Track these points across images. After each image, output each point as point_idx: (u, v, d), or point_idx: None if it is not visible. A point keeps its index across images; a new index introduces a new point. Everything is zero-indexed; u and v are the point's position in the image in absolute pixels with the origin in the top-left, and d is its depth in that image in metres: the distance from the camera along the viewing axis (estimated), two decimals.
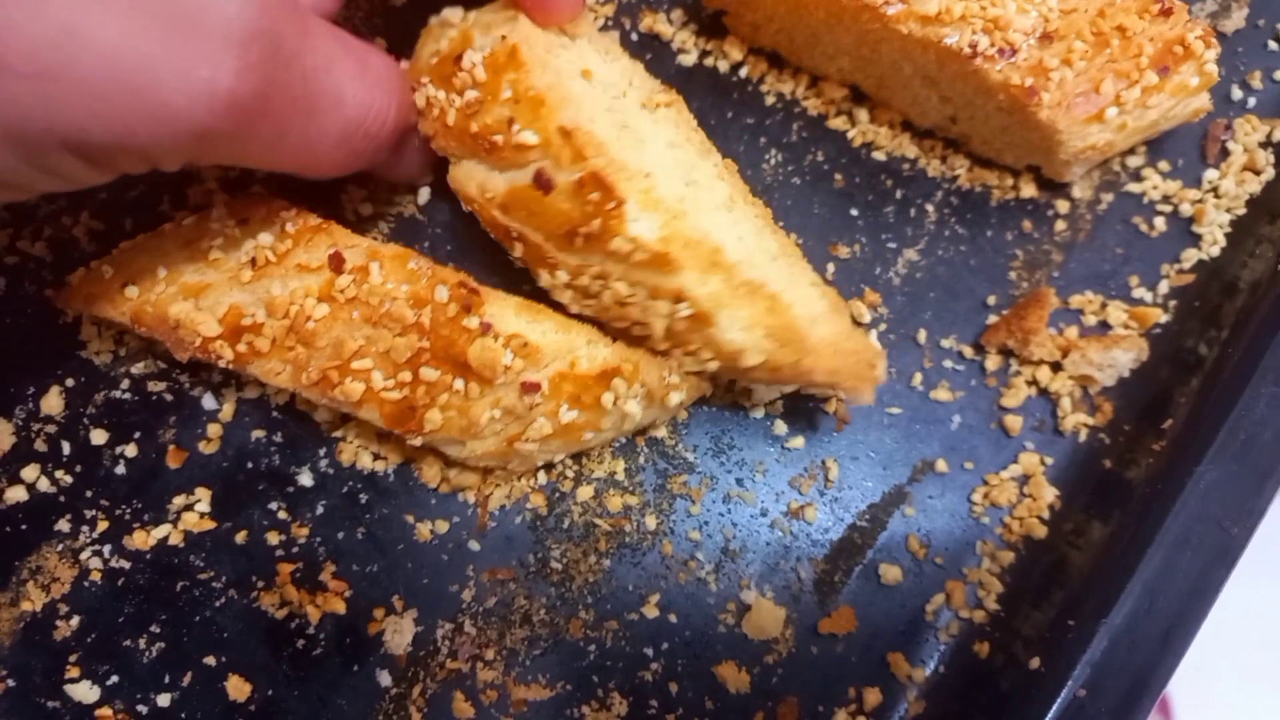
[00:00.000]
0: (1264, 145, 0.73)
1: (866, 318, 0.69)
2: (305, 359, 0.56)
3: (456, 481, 0.65)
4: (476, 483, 0.65)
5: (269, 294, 0.57)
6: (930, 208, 0.72)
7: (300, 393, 0.58)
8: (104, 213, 0.69)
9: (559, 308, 0.61)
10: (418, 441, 0.59)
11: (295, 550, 0.65)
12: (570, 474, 0.67)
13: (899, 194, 0.72)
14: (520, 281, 0.69)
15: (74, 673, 0.62)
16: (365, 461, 0.66)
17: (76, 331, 0.67)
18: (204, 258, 0.59)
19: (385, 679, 0.63)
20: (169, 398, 0.67)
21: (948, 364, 0.69)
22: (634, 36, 0.75)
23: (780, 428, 0.68)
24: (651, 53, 0.74)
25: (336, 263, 0.56)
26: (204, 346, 0.57)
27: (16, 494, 0.64)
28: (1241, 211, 0.71)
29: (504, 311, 0.57)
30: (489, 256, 0.70)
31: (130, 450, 0.66)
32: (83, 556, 0.64)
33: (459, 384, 0.56)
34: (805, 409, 0.68)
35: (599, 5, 0.75)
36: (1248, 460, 0.60)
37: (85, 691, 0.62)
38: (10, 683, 0.62)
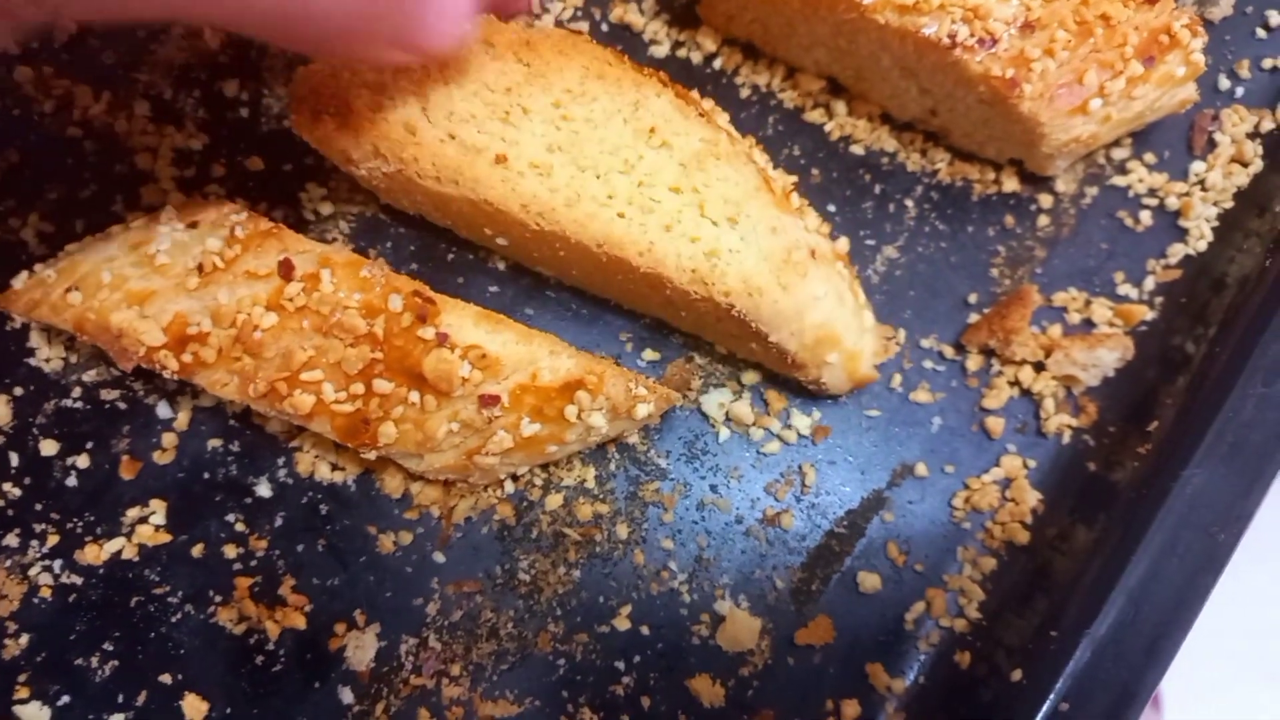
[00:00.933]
0: (1252, 136, 0.71)
1: None
2: (253, 370, 0.54)
3: (420, 494, 0.63)
4: (440, 496, 0.63)
5: (216, 302, 0.54)
6: (910, 203, 0.70)
7: (249, 404, 0.56)
8: (54, 214, 0.66)
9: (523, 318, 0.59)
10: (372, 455, 0.57)
11: (254, 563, 0.62)
12: (539, 482, 0.64)
13: (878, 189, 0.70)
14: (486, 286, 0.67)
15: (23, 693, 0.60)
16: (324, 472, 0.64)
17: (25, 338, 0.65)
18: (150, 263, 0.56)
19: (348, 696, 0.61)
20: (122, 406, 0.64)
21: (928, 364, 0.67)
22: (604, 27, 0.73)
23: (756, 433, 0.66)
24: (622, 44, 0.72)
25: (286, 270, 0.54)
26: (148, 356, 0.54)
27: None
28: (1229, 205, 0.70)
29: (462, 321, 0.55)
30: (455, 257, 0.68)
31: (82, 461, 0.63)
32: (32, 572, 0.62)
33: (414, 396, 0.54)
34: (781, 413, 0.66)
35: None
36: (1236, 464, 0.58)
37: (35, 713, 0.60)
38: None
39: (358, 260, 0.56)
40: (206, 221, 0.57)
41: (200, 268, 0.55)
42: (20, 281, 0.59)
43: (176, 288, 0.55)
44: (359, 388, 0.54)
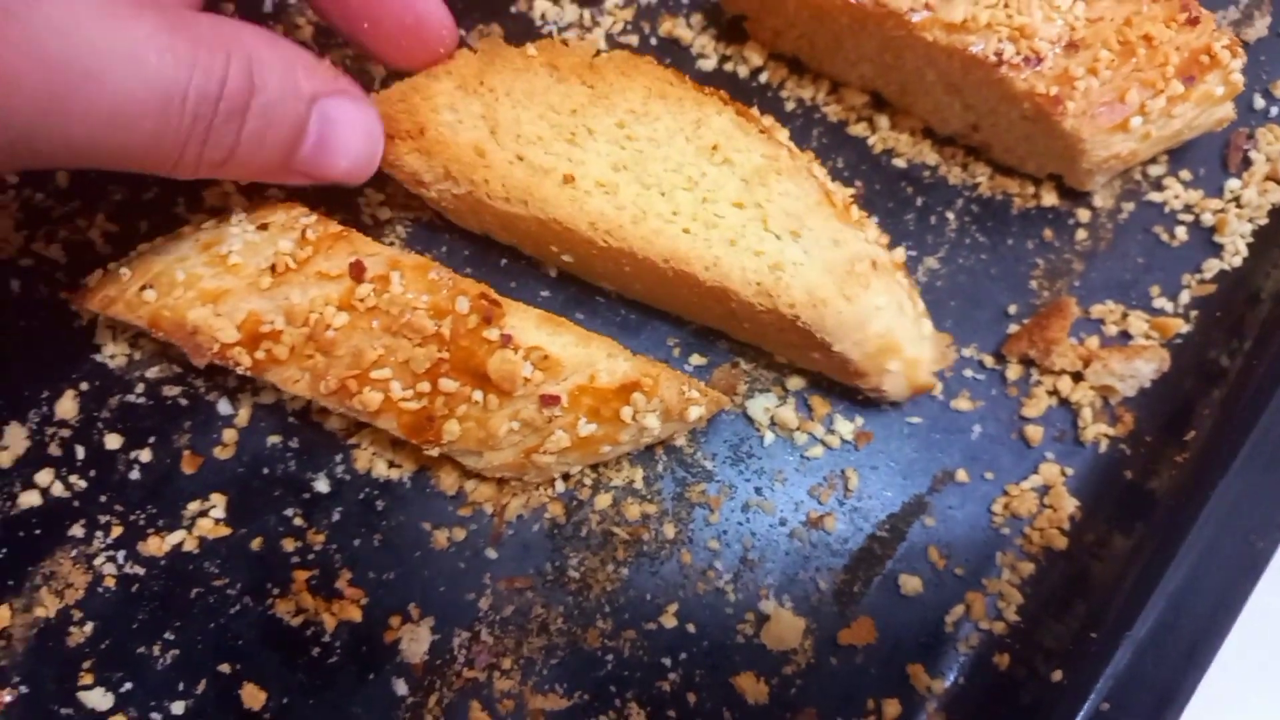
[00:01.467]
0: None
1: None
2: (324, 367, 0.56)
3: (474, 492, 0.65)
4: (493, 493, 0.65)
5: (288, 301, 0.56)
6: (951, 215, 0.72)
7: (318, 401, 0.58)
8: (119, 215, 0.69)
9: (580, 321, 0.60)
10: (435, 452, 0.58)
11: (311, 557, 0.64)
12: (588, 482, 0.66)
13: (919, 201, 0.72)
14: (538, 292, 0.69)
15: (87, 680, 0.62)
16: (381, 469, 0.65)
17: (91, 335, 0.67)
18: (223, 263, 0.58)
19: (401, 688, 0.62)
20: (184, 402, 0.66)
21: (968, 373, 0.69)
22: (653, 41, 0.75)
23: (800, 437, 0.67)
24: (670, 58, 0.74)
25: (357, 271, 0.56)
26: (222, 353, 0.56)
27: (30, 499, 0.64)
28: (1264, 221, 0.71)
29: (525, 323, 0.57)
30: (508, 263, 0.69)
31: (145, 455, 0.65)
32: (96, 562, 0.63)
33: (478, 395, 0.56)
34: (825, 418, 0.68)
35: (618, 9, 0.75)
36: (1274, 473, 0.60)
37: (98, 699, 0.61)
38: (23, 689, 0.61)
39: (426, 263, 0.57)
40: (276, 224, 0.59)
41: (273, 268, 0.57)
42: (94, 279, 0.61)
43: (249, 287, 0.57)
44: (425, 386, 0.55)
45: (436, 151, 0.60)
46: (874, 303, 0.58)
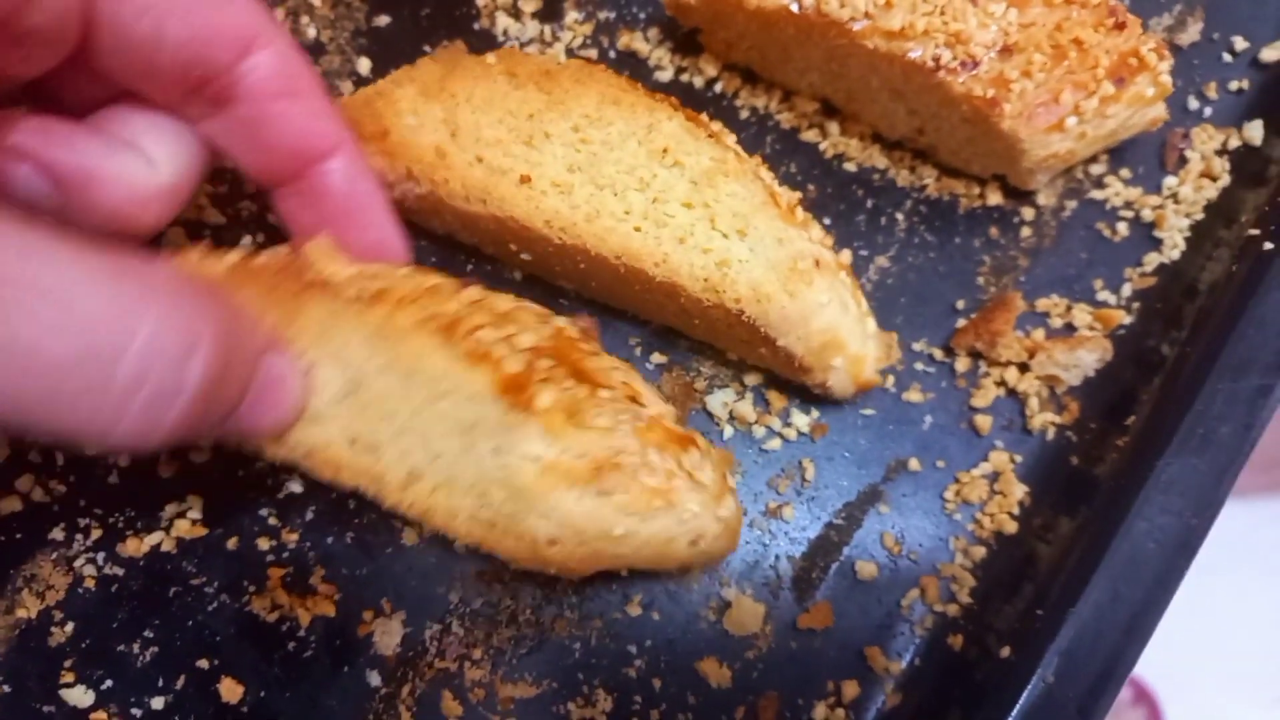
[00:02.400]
0: (1220, 153, 0.75)
1: None
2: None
3: None
4: None
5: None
6: (900, 216, 0.75)
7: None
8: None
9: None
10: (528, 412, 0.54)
11: (285, 555, 0.66)
12: None
13: (870, 203, 0.75)
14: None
15: (69, 678, 0.63)
16: None
17: None
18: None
19: (375, 679, 0.64)
20: None
21: (919, 366, 0.72)
22: (612, 54, 0.78)
23: (758, 430, 0.70)
24: (629, 70, 0.76)
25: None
26: None
27: (11, 504, 0.66)
28: (1200, 216, 0.74)
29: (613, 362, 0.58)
30: (474, 268, 0.72)
31: (123, 460, 0.67)
32: (77, 564, 0.65)
33: (569, 384, 0.54)
34: (782, 411, 0.70)
35: (577, 24, 0.78)
36: (1207, 454, 0.62)
37: (80, 696, 0.63)
38: (6, 689, 0.63)
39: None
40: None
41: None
42: None
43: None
44: (527, 357, 0.54)
45: (399, 153, 0.62)
46: (817, 299, 0.61)
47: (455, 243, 0.72)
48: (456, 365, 0.53)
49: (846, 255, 0.67)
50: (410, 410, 0.54)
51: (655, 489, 0.54)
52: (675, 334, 0.71)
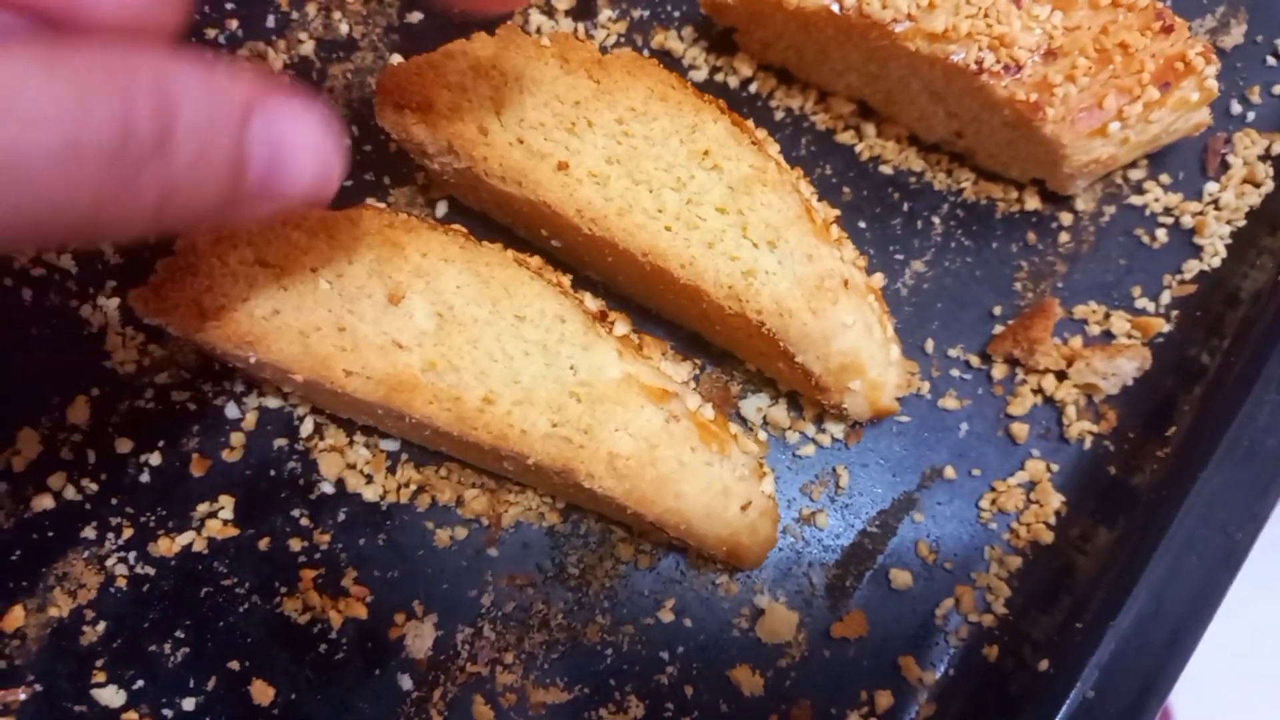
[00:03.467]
0: (1263, 158, 0.74)
1: None
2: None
3: (468, 506, 0.67)
4: (486, 507, 0.67)
5: None
6: (937, 220, 0.74)
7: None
8: None
9: None
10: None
11: (317, 556, 0.66)
12: None
13: (906, 207, 0.74)
14: None
15: (100, 677, 0.63)
16: (372, 494, 0.68)
17: (102, 342, 0.68)
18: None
19: (406, 683, 0.64)
20: (192, 407, 0.68)
21: (955, 373, 0.71)
22: (645, 53, 0.77)
23: (792, 436, 0.69)
24: (673, 73, 0.75)
25: None
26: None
27: (44, 502, 0.66)
28: (1242, 223, 0.73)
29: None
30: None
31: (155, 458, 0.67)
32: (108, 563, 0.65)
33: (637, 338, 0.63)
34: (816, 417, 0.69)
35: (611, 22, 0.77)
36: (1251, 466, 0.61)
37: (111, 696, 0.63)
38: (38, 687, 0.63)
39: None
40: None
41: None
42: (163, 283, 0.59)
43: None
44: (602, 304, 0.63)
45: (442, 126, 0.62)
46: (841, 320, 0.60)
47: (490, 222, 0.71)
48: (546, 292, 0.59)
49: (879, 278, 0.67)
50: (494, 335, 0.58)
51: (711, 428, 0.60)
52: (706, 340, 0.71)
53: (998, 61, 0.64)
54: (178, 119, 0.42)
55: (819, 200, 0.65)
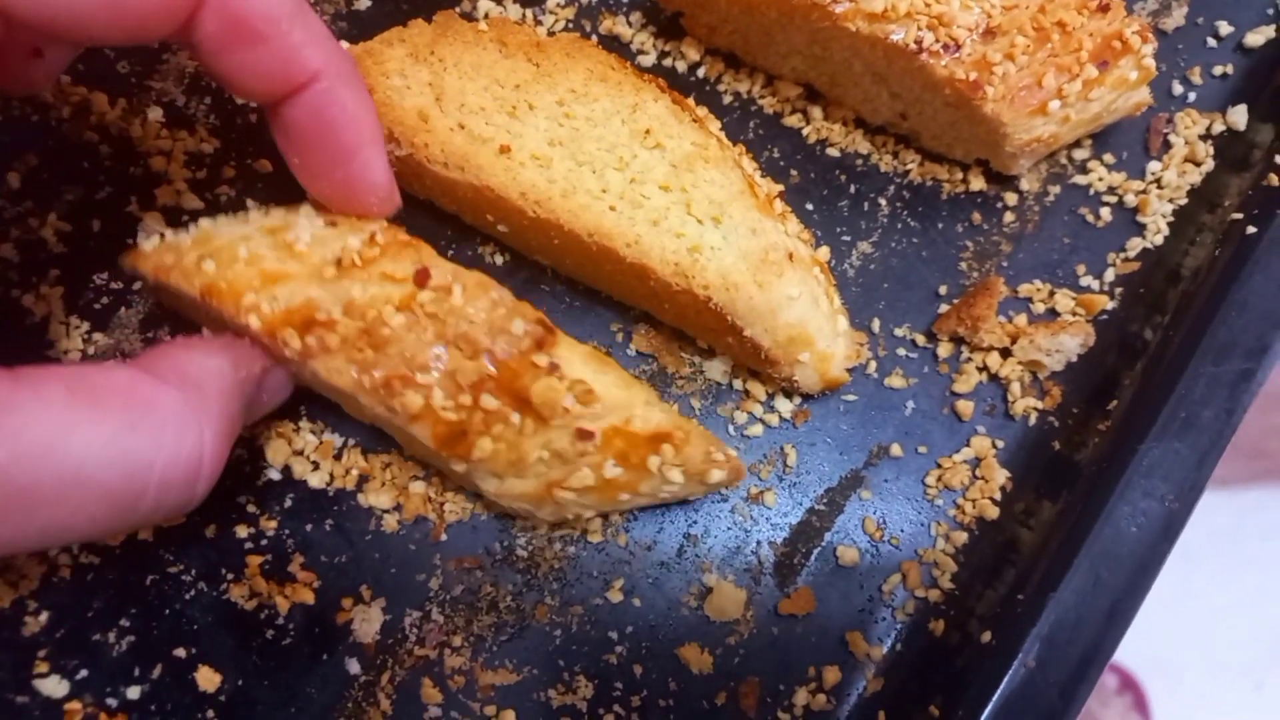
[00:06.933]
0: (1204, 138, 0.75)
1: None
2: (372, 363, 0.55)
3: (407, 506, 0.66)
4: (421, 504, 0.66)
5: (349, 295, 0.56)
6: (883, 202, 0.74)
7: (358, 397, 0.57)
8: (72, 214, 0.70)
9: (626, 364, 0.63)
10: (461, 467, 0.58)
11: (264, 543, 0.66)
12: None
13: (853, 189, 0.74)
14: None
15: (43, 668, 0.63)
16: (317, 481, 0.67)
17: (44, 331, 0.68)
18: (288, 249, 0.57)
19: (354, 667, 0.64)
20: None
21: (901, 352, 0.71)
22: (594, 39, 0.77)
23: (740, 416, 0.70)
24: (612, 54, 0.76)
25: (422, 278, 0.56)
26: (270, 331, 0.55)
27: None
28: (1183, 201, 0.74)
29: (572, 356, 0.57)
30: (454, 254, 0.71)
31: None
32: (51, 553, 0.65)
33: (515, 418, 0.56)
34: (764, 397, 0.70)
35: (559, 8, 0.77)
36: (1188, 438, 0.62)
37: (54, 686, 0.62)
38: None
39: (487, 281, 0.57)
40: (345, 222, 0.59)
41: (339, 262, 0.56)
42: (148, 245, 0.60)
43: (311, 276, 0.56)
44: (466, 399, 0.55)
45: (383, 114, 0.62)
46: (786, 292, 0.60)
47: (438, 229, 0.71)
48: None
49: (825, 252, 0.67)
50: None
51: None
52: (658, 322, 0.71)
53: (937, 41, 0.65)
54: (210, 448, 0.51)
55: (762, 176, 0.65)
